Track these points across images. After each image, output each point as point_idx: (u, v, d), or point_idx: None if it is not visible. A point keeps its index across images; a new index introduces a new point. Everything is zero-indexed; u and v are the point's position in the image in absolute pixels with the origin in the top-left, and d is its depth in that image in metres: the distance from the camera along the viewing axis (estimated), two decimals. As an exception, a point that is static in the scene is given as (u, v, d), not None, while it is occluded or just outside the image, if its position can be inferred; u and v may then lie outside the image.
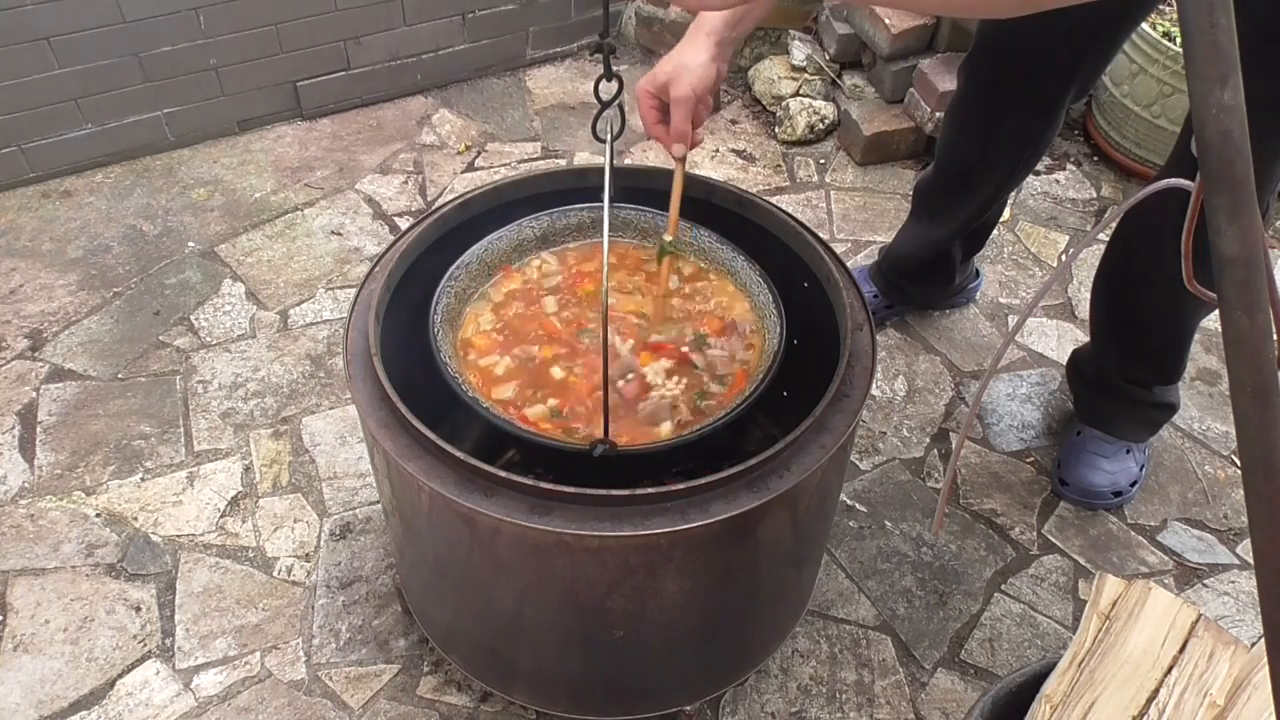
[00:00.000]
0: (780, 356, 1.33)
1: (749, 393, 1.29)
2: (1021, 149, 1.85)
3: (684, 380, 1.39)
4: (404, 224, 2.41)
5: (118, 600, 1.72)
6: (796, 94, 2.76)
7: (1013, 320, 2.28)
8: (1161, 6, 2.43)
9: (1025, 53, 1.69)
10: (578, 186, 1.53)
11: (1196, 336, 1.81)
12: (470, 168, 2.62)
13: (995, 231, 2.15)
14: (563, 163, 2.65)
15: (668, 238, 1.47)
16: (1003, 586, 1.81)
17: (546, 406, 1.34)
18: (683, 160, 1.38)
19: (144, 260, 2.33)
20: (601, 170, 1.28)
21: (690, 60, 1.28)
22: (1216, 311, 0.61)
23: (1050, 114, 1.78)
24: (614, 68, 1.18)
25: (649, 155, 2.66)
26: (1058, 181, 2.65)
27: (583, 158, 2.65)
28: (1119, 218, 1.86)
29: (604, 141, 1.28)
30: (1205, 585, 1.83)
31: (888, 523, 1.89)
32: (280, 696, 1.62)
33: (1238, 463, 1.82)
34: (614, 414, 1.29)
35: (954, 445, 2.01)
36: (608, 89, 1.20)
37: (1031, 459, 2.02)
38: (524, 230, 1.50)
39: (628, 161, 2.61)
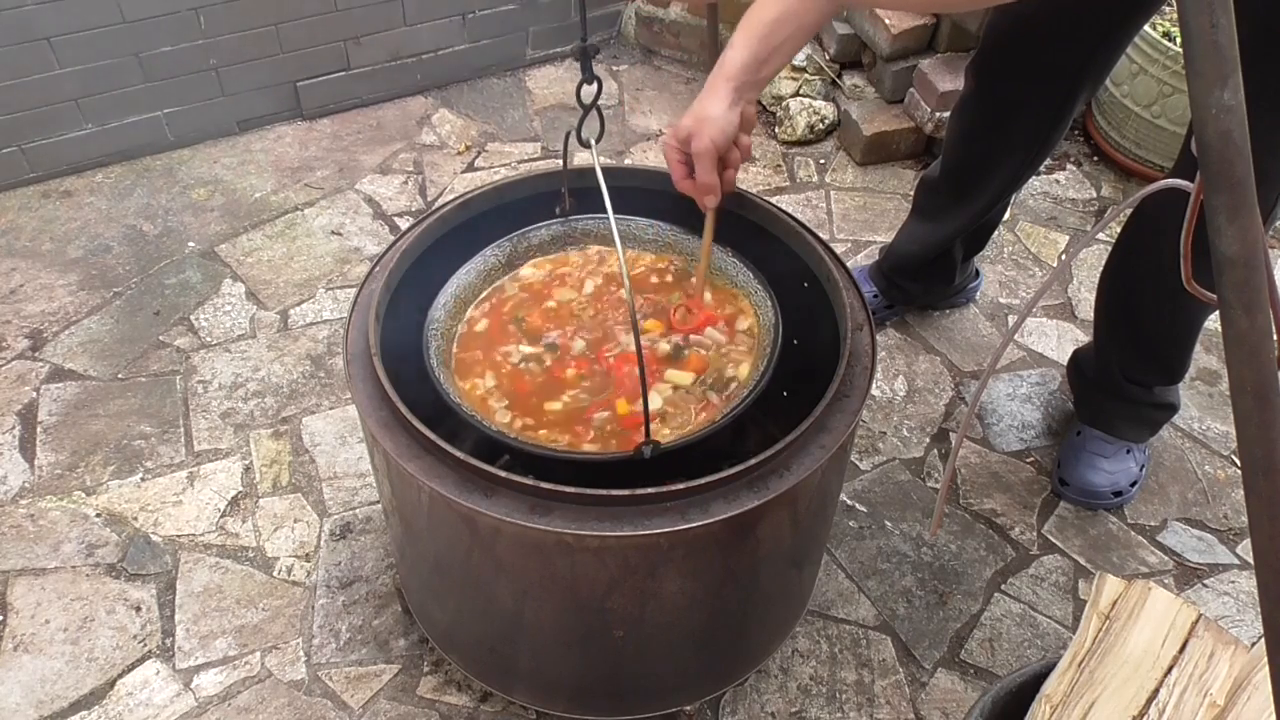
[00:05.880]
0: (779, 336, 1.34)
1: (764, 368, 1.30)
2: (1028, 149, 1.85)
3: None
4: (404, 224, 2.41)
5: (118, 600, 1.72)
6: (796, 94, 2.76)
7: (1013, 320, 2.28)
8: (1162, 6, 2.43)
9: (1033, 53, 1.68)
10: (580, 186, 1.53)
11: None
12: (470, 168, 2.62)
13: (995, 231, 2.15)
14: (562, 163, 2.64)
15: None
16: (1003, 586, 1.81)
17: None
18: (716, 213, 1.36)
19: (144, 260, 2.33)
20: (590, 171, 1.27)
21: (710, 111, 1.24)
22: (1217, 311, 0.61)
23: (1058, 115, 1.77)
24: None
25: (649, 155, 2.66)
26: (1058, 181, 2.65)
27: (583, 158, 2.64)
28: (1122, 218, 1.87)
29: (588, 146, 1.25)
30: (1205, 585, 1.83)
31: (888, 523, 1.89)
32: (280, 696, 1.62)
33: (1238, 463, 1.82)
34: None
35: (953, 445, 2.01)
36: (588, 91, 1.20)
37: (1031, 459, 2.02)
38: (489, 259, 1.48)
39: (627, 161, 2.61)
